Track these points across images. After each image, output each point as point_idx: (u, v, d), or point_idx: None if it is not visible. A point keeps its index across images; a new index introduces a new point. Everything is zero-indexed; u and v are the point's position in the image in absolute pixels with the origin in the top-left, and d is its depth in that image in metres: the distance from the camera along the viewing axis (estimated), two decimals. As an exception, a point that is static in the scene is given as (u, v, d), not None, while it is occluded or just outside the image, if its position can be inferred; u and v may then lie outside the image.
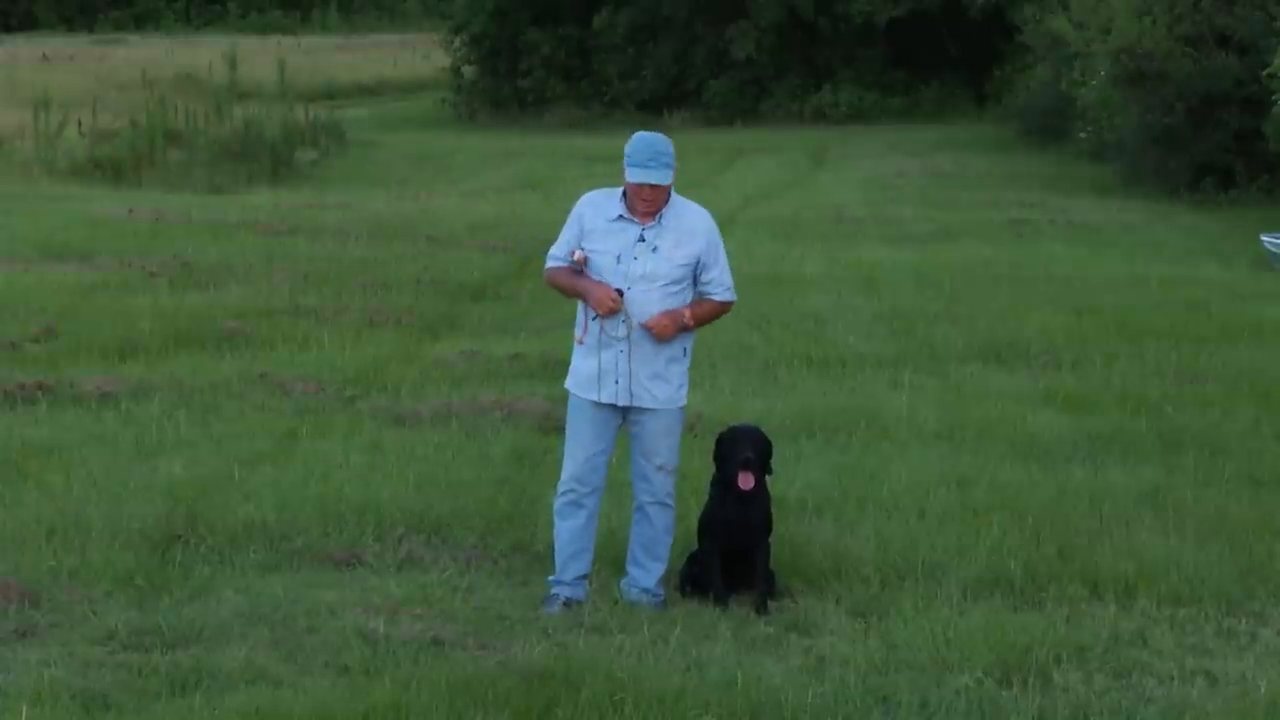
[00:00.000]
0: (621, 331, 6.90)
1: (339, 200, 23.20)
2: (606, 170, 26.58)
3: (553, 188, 25.22)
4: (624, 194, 6.97)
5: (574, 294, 7.00)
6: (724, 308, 7.09)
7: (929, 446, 9.50)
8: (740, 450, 7.05)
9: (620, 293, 6.87)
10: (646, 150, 6.87)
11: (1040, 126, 32.92)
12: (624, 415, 7.04)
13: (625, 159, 6.90)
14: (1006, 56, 39.37)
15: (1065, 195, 25.02)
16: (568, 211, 7.14)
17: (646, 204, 6.89)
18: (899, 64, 41.96)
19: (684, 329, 6.96)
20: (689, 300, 7.02)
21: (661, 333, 6.88)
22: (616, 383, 6.94)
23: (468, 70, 46.10)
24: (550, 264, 7.09)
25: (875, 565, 7.33)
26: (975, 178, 27.71)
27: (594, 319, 6.93)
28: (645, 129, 7.50)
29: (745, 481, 7.01)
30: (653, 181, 6.84)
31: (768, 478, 7.20)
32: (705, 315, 7.05)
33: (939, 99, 41.40)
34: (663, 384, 6.98)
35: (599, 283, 6.89)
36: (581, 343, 7.01)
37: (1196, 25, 24.71)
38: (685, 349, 7.07)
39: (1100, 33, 26.31)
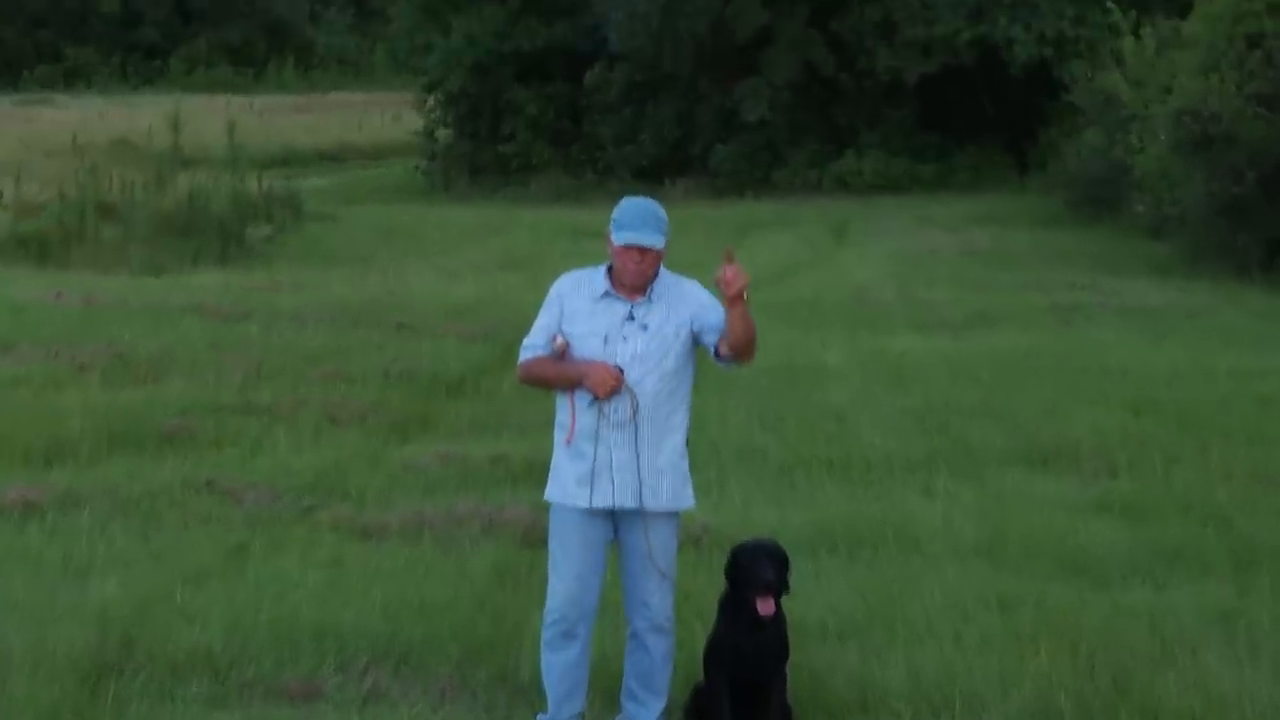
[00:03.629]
0: (625, 413, 6.92)
1: (296, 281, 23.28)
2: (599, 248, 26.42)
3: (539, 267, 25.28)
4: (609, 270, 7.05)
5: (562, 384, 7.01)
6: (755, 336, 6.94)
7: (966, 562, 9.50)
8: (760, 570, 7.03)
9: (620, 369, 6.90)
10: (636, 213, 6.97)
11: (1091, 197, 33.10)
12: (615, 525, 7.06)
13: (612, 224, 6.99)
14: (1053, 118, 39.65)
15: (1119, 275, 25.11)
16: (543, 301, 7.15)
17: (636, 273, 6.93)
18: (931, 126, 42.26)
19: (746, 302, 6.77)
20: (690, 383, 7.07)
21: (736, 278, 6.67)
22: (613, 481, 6.95)
23: (443, 134, 46.47)
24: (526, 355, 7.11)
25: (907, 698, 7.32)
26: (1017, 255, 27.83)
27: (590, 405, 6.91)
28: (643, 199, 7.54)
29: (765, 608, 7.00)
30: (644, 244, 6.91)
31: (783, 597, 7.21)
32: (752, 324, 6.87)
33: (976, 166, 41.68)
34: (669, 478, 6.99)
35: (593, 362, 6.93)
36: (569, 442, 7.02)
37: (1270, 83, 24.86)
38: (684, 441, 7.09)
39: (1160, 92, 26.55)
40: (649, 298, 7.01)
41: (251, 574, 9.14)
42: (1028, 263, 26.73)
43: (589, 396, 6.94)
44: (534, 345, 7.09)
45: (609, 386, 6.87)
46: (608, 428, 6.93)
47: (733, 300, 6.79)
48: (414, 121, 47.29)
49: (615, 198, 7.19)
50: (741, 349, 6.95)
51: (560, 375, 7.01)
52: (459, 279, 24.49)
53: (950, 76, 41.23)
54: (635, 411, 6.90)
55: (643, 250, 6.93)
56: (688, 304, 7.02)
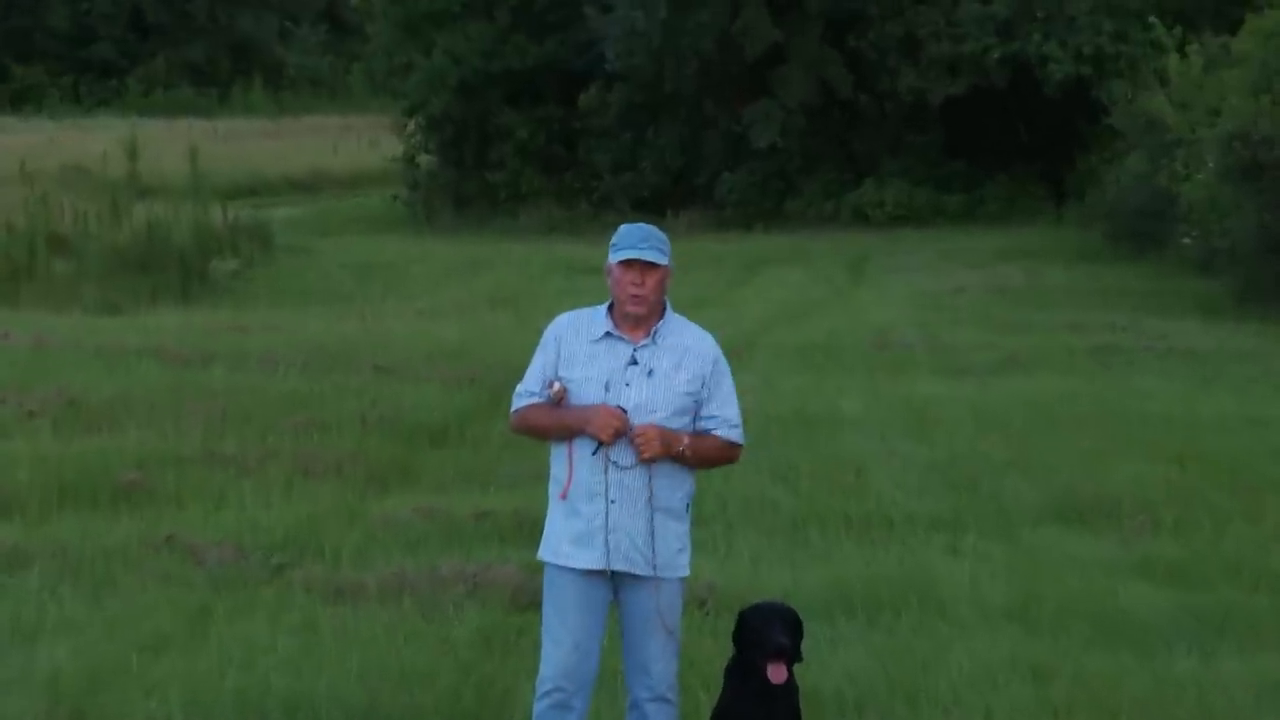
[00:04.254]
0: (632, 458, 6.93)
1: (265, 321, 23.31)
2: (595, 285, 26.52)
3: (530, 305, 25.34)
4: (609, 309, 7.10)
5: (560, 433, 7.01)
6: (730, 451, 7.13)
7: (996, 628, 9.52)
8: (771, 634, 7.05)
9: (624, 410, 6.92)
10: (635, 234, 7.04)
11: (1133, 230, 33.13)
12: (615, 587, 7.09)
13: (611, 248, 7.03)
14: (1091, 143, 39.73)
15: (1164, 315, 25.14)
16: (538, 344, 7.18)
17: (637, 297, 6.96)
18: (957, 153, 42.34)
19: (677, 455, 6.94)
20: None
21: (646, 444, 6.87)
22: (608, 543, 6.95)
23: (425, 160, 46.55)
24: (520, 403, 7.13)
25: (930, 776, 7.35)
26: (1052, 294, 27.86)
27: (594, 453, 6.92)
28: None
29: (777, 674, 7.02)
30: (645, 258, 6.95)
31: (796, 665, 7.23)
32: (707, 452, 7.05)
33: (1007, 196, 41.73)
34: (669, 542, 7.00)
35: (593, 406, 6.95)
36: (565, 497, 7.05)
37: (1328, 104, 24.94)
38: (687, 503, 7.14)
39: (1208, 114, 26.60)
40: (653, 339, 7.04)
41: (215, 640, 9.16)
42: (1063, 302, 26.76)
43: (589, 447, 6.95)
44: (528, 392, 7.11)
45: (613, 429, 6.89)
46: (606, 482, 6.93)
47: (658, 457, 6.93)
48: (393, 147, 47.37)
49: (611, 230, 7.24)
50: (711, 468, 7.29)
51: (558, 424, 7.03)
52: (443, 319, 24.52)
53: (979, 98, 41.28)
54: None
55: (644, 269, 6.97)
56: (701, 362, 7.04)
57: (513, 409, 7.19)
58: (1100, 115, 37.16)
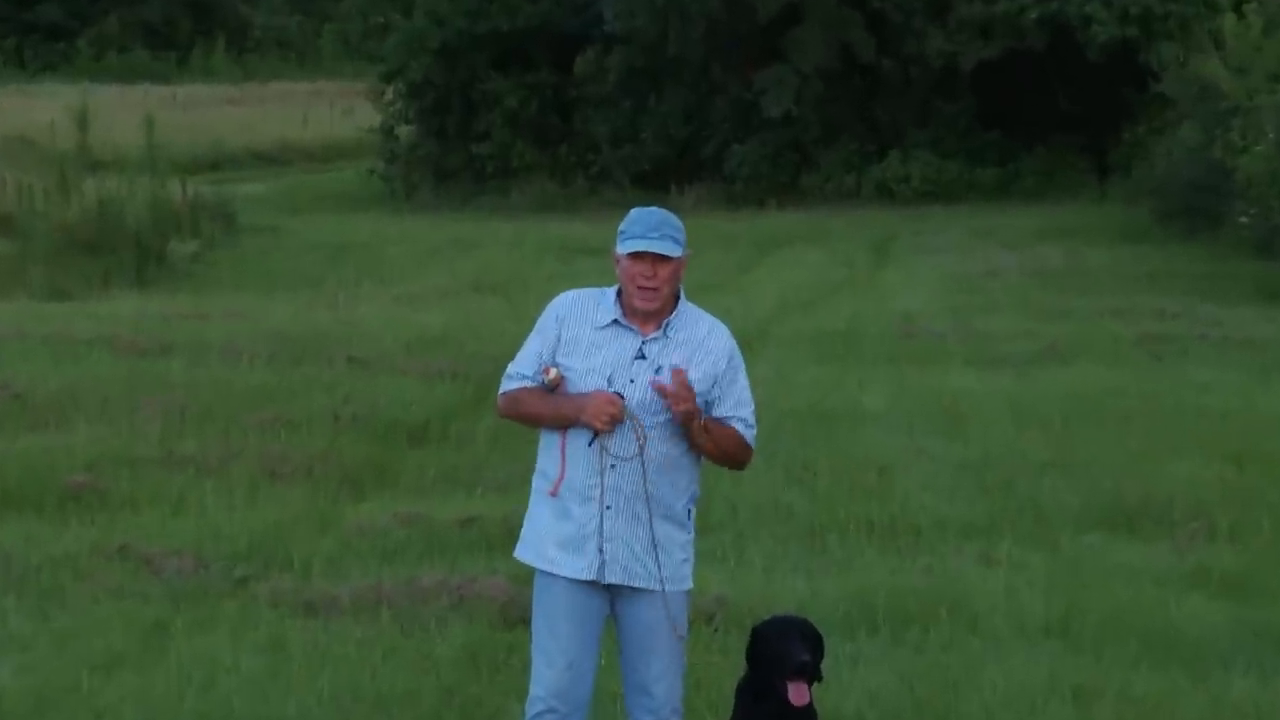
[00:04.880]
0: (632, 448, 6.92)
1: (228, 308, 23.32)
2: (593, 267, 26.67)
3: (519, 291, 25.36)
4: (618, 294, 7.06)
5: (552, 421, 6.98)
6: (744, 450, 7.11)
7: (1034, 645, 9.52)
8: (791, 651, 7.04)
9: (621, 395, 6.88)
10: (648, 220, 6.96)
11: (1184, 207, 33.15)
12: (612, 598, 7.07)
13: (619, 235, 6.97)
14: (1138, 112, 39.75)
15: (1219, 301, 25.14)
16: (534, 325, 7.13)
17: (647, 292, 6.93)
18: (991, 123, 42.35)
19: (694, 431, 6.89)
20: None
21: (679, 398, 6.79)
22: (602, 551, 6.92)
23: (404, 131, 46.55)
24: (510, 385, 7.09)
25: (962, 808, 7.35)
26: (1096, 277, 27.86)
27: (591, 444, 6.89)
28: (646, 210, 7.56)
29: (799, 695, 7.01)
30: (656, 250, 6.90)
31: (815, 685, 7.22)
32: (723, 439, 7.01)
33: (1045, 170, 41.75)
34: (671, 553, 6.99)
35: (590, 391, 6.91)
36: (555, 493, 7.03)
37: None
38: (690, 509, 7.11)
39: (1267, 79, 26.58)
40: (664, 332, 7.01)
41: (173, 659, 9.16)
42: (1108, 286, 26.76)
43: (584, 439, 6.91)
44: (520, 375, 7.06)
45: (607, 415, 6.84)
46: (602, 486, 6.89)
47: (681, 419, 6.86)
48: (369, 117, 47.36)
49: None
50: (721, 464, 7.15)
51: (553, 411, 6.98)
52: (424, 305, 24.53)
53: (1014, 63, 41.26)
54: (643, 447, 6.88)
55: (655, 261, 6.92)
56: (713, 357, 7.01)
57: (501, 390, 7.14)
58: (1148, 81, 37.17)
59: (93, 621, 9.86)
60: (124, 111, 43.30)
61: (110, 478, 13.11)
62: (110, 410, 15.53)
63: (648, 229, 6.93)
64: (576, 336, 7.02)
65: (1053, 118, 42.15)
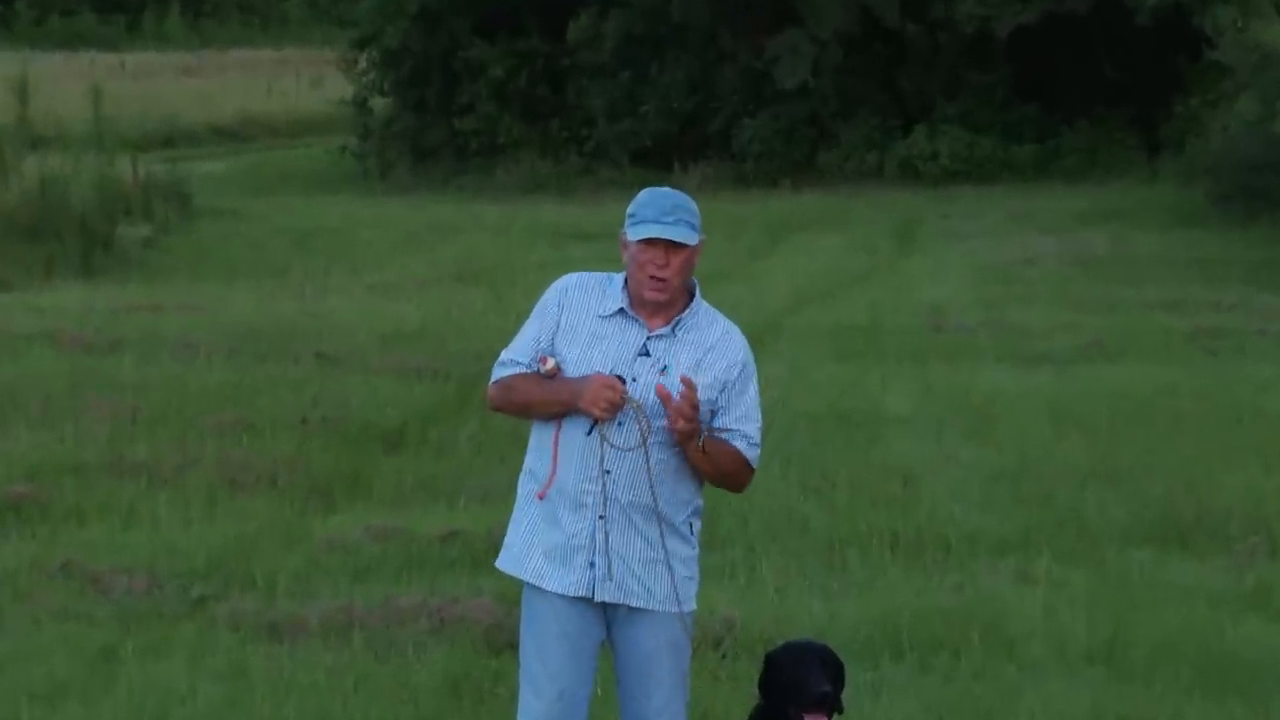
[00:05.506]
0: (634, 438, 6.89)
1: (183, 300, 23.34)
2: (588, 254, 26.70)
3: (506, 280, 25.37)
4: (625, 283, 7.03)
5: (547, 409, 6.95)
6: (744, 470, 7.06)
7: (1076, 672, 9.53)
8: (810, 680, 7.02)
9: (621, 379, 6.86)
10: (662, 203, 6.93)
11: (1243, 187, 33.14)
12: (608, 619, 7.05)
13: (628, 218, 6.95)
14: (1191, 83, 39.74)
15: (1280, 292, 25.19)
16: (529, 313, 7.10)
17: (657, 279, 6.89)
18: (1029, 95, 42.36)
19: (690, 448, 6.87)
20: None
21: (679, 412, 6.75)
22: (593, 565, 6.90)
23: (379, 103, 46.57)
24: (503, 372, 7.06)
25: None
26: (1144, 265, 27.89)
27: (589, 433, 6.85)
28: (648, 191, 7.54)
29: (820, 728, 7.03)
30: (670, 237, 6.87)
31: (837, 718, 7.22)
32: (721, 456, 6.97)
33: (1089, 147, 41.75)
34: (673, 570, 6.97)
35: (589, 375, 6.87)
36: (544, 496, 7.00)
37: None
38: (691, 522, 7.09)
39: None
40: (673, 329, 6.99)
41: (123, 687, 9.17)
42: (1158, 275, 26.78)
43: (581, 429, 6.89)
44: (514, 361, 7.04)
45: (606, 400, 6.80)
46: (604, 496, 6.86)
47: (678, 438, 6.84)
48: (340, 88, 47.42)
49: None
50: (717, 485, 7.10)
51: (549, 398, 6.93)
52: (400, 296, 24.55)
53: (1055, 29, 41.24)
54: (646, 437, 6.85)
55: (669, 248, 6.89)
56: (725, 362, 6.99)
57: (492, 379, 7.10)
58: (1203, 48, 37.15)
59: (34, 647, 9.86)
60: (68, 82, 43.34)
61: (53, 487, 13.12)
62: (53, 413, 15.53)
63: (661, 213, 6.90)
64: (577, 324, 7.01)
65: (1097, 89, 42.12)
